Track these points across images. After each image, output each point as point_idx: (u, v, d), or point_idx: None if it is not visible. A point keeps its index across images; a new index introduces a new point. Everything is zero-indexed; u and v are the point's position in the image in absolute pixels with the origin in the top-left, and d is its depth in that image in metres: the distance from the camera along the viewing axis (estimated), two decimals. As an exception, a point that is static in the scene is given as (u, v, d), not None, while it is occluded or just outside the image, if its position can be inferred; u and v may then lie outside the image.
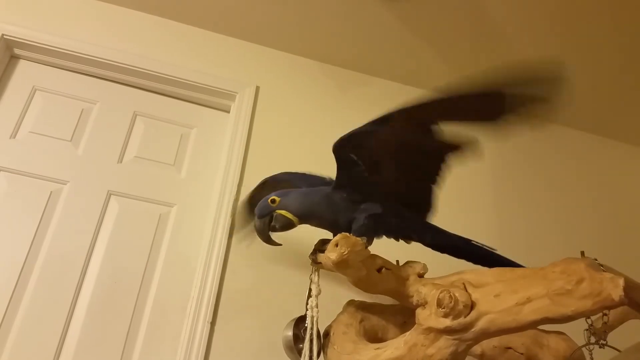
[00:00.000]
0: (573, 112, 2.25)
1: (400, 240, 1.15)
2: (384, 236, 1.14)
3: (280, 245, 1.14)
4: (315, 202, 1.12)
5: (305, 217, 1.13)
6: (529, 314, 0.85)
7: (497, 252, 1.14)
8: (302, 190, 1.17)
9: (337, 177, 1.11)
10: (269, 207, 1.11)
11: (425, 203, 1.13)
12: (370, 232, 1.09)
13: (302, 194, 1.14)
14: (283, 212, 1.10)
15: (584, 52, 1.94)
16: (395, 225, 1.12)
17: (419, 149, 1.06)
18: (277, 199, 1.11)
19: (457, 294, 0.89)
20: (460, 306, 0.88)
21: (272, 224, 1.11)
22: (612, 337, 0.99)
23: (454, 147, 1.04)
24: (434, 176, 1.10)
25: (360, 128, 1.01)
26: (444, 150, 1.05)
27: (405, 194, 1.11)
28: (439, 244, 1.16)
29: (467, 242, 1.15)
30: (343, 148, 1.05)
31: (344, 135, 1.03)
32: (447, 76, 2.13)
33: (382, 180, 1.09)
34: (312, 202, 1.12)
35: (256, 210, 1.12)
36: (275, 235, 1.14)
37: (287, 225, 1.12)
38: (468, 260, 1.15)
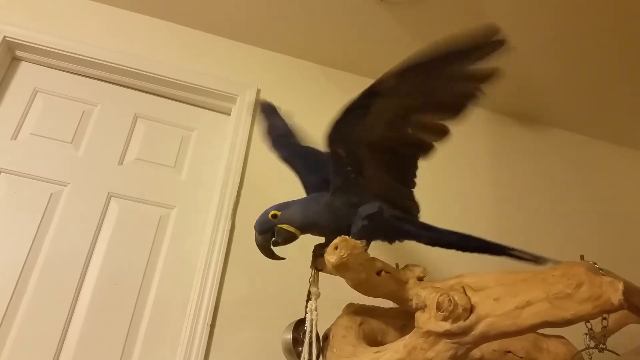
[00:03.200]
0: (573, 115, 2.25)
1: (395, 242, 1.15)
2: (381, 239, 1.13)
3: (284, 259, 1.12)
4: (317, 212, 1.10)
5: (308, 228, 1.12)
6: (528, 317, 0.85)
7: (486, 240, 1.15)
8: (302, 200, 1.15)
9: (332, 180, 1.10)
10: (270, 222, 1.09)
11: (410, 203, 1.13)
12: (369, 234, 1.09)
13: (303, 205, 1.12)
14: (285, 226, 1.09)
15: (584, 55, 1.95)
16: (392, 224, 1.11)
17: (395, 147, 1.05)
18: (278, 213, 1.09)
19: (456, 298, 0.89)
20: (460, 310, 0.88)
21: (275, 238, 1.09)
22: (612, 341, 0.99)
23: (427, 144, 1.04)
24: (409, 178, 1.10)
25: (344, 113, 0.99)
26: (417, 149, 1.05)
27: (391, 195, 1.10)
28: (434, 240, 1.17)
29: (456, 234, 1.16)
30: (333, 141, 1.03)
31: (333, 125, 1.00)
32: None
33: (368, 182, 1.08)
34: (314, 212, 1.10)
35: (256, 225, 1.10)
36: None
37: (290, 239, 1.11)
38: (463, 250, 1.16)
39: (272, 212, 1.09)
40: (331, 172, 1.09)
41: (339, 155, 1.05)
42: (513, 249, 1.13)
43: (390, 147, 1.05)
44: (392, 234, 1.14)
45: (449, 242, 1.16)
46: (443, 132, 1.01)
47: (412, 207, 1.14)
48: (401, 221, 1.12)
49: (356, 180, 1.07)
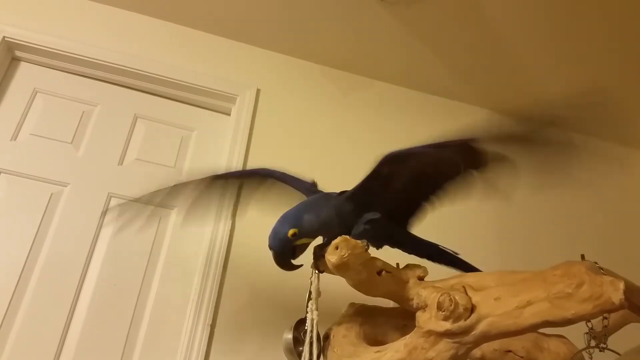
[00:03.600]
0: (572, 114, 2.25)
1: (381, 248, 1.17)
2: (372, 244, 1.14)
3: (302, 265, 1.11)
4: (328, 216, 1.10)
5: (320, 234, 1.13)
6: (529, 317, 0.85)
7: (459, 257, 1.21)
8: (311, 207, 1.13)
9: (358, 187, 1.10)
10: (289, 241, 1.06)
11: (411, 218, 1.17)
12: (370, 236, 1.09)
13: (315, 213, 1.10)
14: (304, 240, 1.08)
15: (582, 54, 1.95)
16: (386, 232, 1.14)
17: (440, 172, 1.09)
18: (296, 230, 1.06)
19: (457, 297, 0.89)
20: (461, 309, 0.88)
21: (296, 253, 1.09)
22: (613, 341, 0.99)
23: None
24: (432, 196, 1.14)
25: (416, 149, 1.01)
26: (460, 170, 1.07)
27: (398, 208, 1.13)
28: (415, 251, 1.22)
29: (436, 247, 1.22)
30: (387, 163, 1.04)
31: (402, 151, 1.02)
32: (447, 79, 2.14)
33: (387, 194, 1.10)
34: (326, 217, 1.10)
35: (275, 247, 1.07)
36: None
37: (305, 248, 1.11)
38: (438, 263, 1.23)
39: (291, 232, 1.05)
40: (361, 181, 1.09)
41: (381, 173, 1.06)
42: (478, 270, 1.19)
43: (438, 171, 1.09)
44: (384, 241, 1.17)
45: (426, 254, 1.22)
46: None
47: (407, 223, 1.18)
48: (393, 230, 1.15)
49: (376, 196, 1.09)
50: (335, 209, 1.10)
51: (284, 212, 1.11)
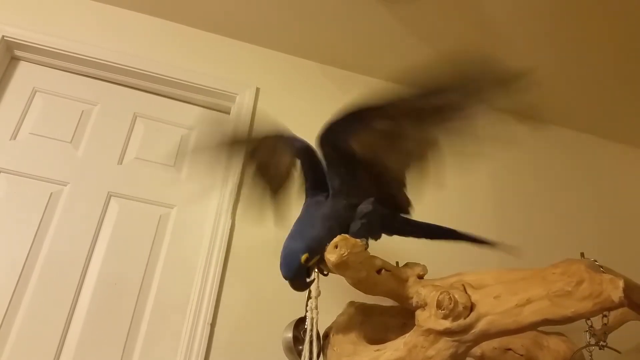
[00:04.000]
0: (572, 113, 2.25)
1: (379, 238, 1.16)
2: (371, 235, 1.14)
3: (313, 280, 1.11)
4: (330, 228, 1.08)
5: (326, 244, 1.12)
6: (528, 315, 0.85)
7: (454, 229, 1.23)
8: (310, 222, 1.11)
9: (330, 182, 1.09)
10: (302, 266, 1.06)
11: (402, 200, 1.15)
12: (367, 232, 1.09)
13: (316, 228, 1.09)
14: (315, 259, 1.07)
15: (582, 52, 1.94)
16: (382, 221, 1.13)
17: (388, 149, 1.05)
18: (307, 255, 1.05)
19: (456, 296, 0.89)
20: (460, 308, 0.88)
21: (309, 273, 1.09)
22: (612, 338, 0.99)
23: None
24: (403, 178, 1.10)
25: (338, 118, 0.99)
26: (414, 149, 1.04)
27: (384, 193, 1.12)
28: (414, 233, 1.22)
29: (430, 225, 1.22)
30: (326, 144, 1.03)
31: (325, 127, 1.00)
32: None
33: (361, 182, 1.09)
34: (328, 230, 1.08)
35: (290, 276, 1.06)
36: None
37: (316, 264, 1.10)
38: (438, 239, 1.24)
39: (303, 258, 1.05)
40: (327, 174, 1.08)
41: (332, 157, 1.05)
42: (476, 236, 1.23)
43: (383, 152, 1.05)
44: (382, 231, 1.16)
45: (425, 234, 1.22)
46: (434, 144, 1.02)
47: (404, 203, 1.16)
48: (388, 218, 1.15)
49: (352, 181, 1.08)
50: (333, 217, 1.09)
51: (287, 237, 1.10)
